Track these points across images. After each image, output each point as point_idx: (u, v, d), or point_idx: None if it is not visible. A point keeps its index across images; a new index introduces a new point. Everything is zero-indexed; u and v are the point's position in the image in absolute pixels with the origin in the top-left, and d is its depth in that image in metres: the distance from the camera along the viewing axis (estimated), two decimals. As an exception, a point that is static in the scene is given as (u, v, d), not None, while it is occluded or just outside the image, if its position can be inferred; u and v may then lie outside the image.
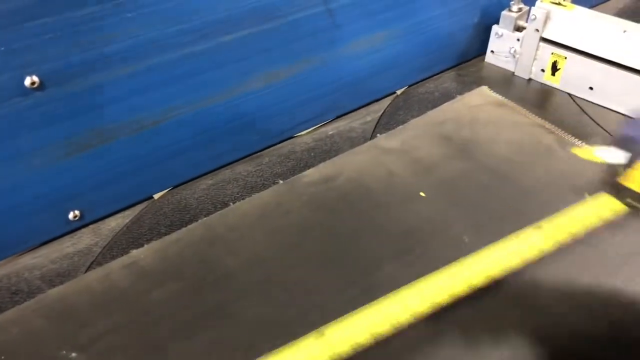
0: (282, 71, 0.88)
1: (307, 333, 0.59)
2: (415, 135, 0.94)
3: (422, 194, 0.82)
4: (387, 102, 1.04)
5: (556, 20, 1.01)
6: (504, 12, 1.07)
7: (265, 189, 0.84)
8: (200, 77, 0.79)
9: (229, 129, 0.87)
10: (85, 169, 0.75)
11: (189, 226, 0.78)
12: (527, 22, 1.06)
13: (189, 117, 0.81)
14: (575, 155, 0.88)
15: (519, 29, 1.07)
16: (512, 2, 1.06)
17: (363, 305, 0.62)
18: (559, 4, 1.02)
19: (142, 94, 0.75)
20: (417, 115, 0.98)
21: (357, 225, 0.78)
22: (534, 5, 1.03)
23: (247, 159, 0.91)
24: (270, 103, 0.89)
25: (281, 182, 0.85)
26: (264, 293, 0.68)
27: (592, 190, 0.80)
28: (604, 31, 0.98)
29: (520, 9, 1.06)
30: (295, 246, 0.75)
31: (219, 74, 0.81)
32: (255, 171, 0.88)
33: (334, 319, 0.60)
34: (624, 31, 0.95)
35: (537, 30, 1.03)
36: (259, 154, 0.92)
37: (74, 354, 0.62)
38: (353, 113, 1.01)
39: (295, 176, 0.85)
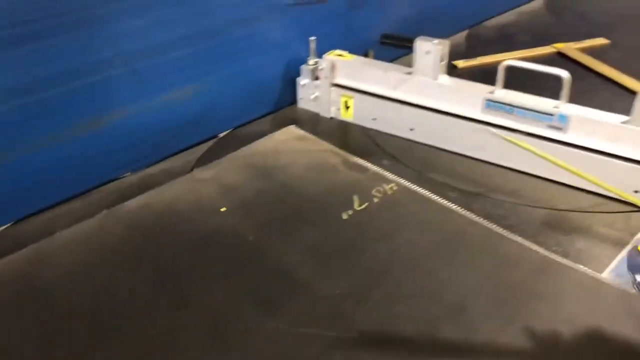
0: (101, 119, 1.05)
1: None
2: (227, 167, 1.13)
3: (222, 209, 1.00)
4: (210, 143, 1.23)
5: (340, 68, 1.26)
6: (303, 66, 1.31)
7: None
8: (23, 125, 0.95)
9: (58, 170, 1.02)
10: None
11: (19, 252, 0.91)
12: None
13: (21, 161, 0.96)
14: (351, 170, 1.10)
15: (316, 78, 1.31)
16: (309, 57, 1.30)
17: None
18: (341, 55, 1.27)
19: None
20: (234, 152, 1.18)
21: (165, 238, 0.94)
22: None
23: (77, 198, 1.06)
24: (95, 147, 1.05)
25: (105, 211, 1.00)
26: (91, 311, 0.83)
27: (360, 194, 1.02)
28: (375, 74, 1.23)
29: (315, 62, 1.30)
30: (117, 262, 0.90)
31: (42, 122, 0.97)
32: (84, 207, 1.03)
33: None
34: (385, 72, 1.20)
35: (327, 78, 1.27)
36: (89, 192, 1.07)
37: None
38: (178, 155, 1.19)
39: (117, 206, 1.01)
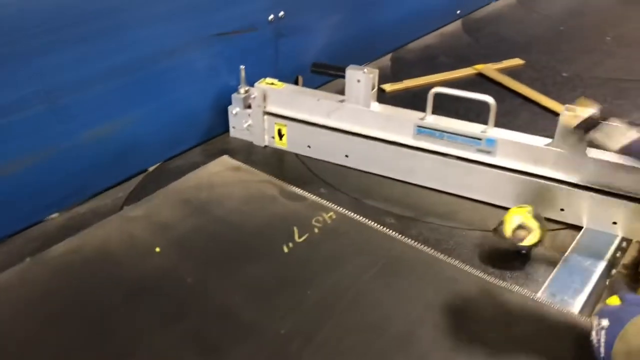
0: (22, 159, 0.98)
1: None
2: (159, 203, 1.08)
3: (157, 249, 0.96)
4: (139, 178, 1.18)
5: (272, 97, 1.25)
6: (234, 95, 1.29)
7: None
8: None
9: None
10: None
11: None
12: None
13: None
14: (289, 200, 1.09)
15: (249, 106, 1.29)
16: (239, 86, 1.29)
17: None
18: (272, 84, 1.26)
19: None
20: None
21: (96, 285, 0.89)
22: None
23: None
24: (17, 189, 0.99)
25: (28, 259, 0.93)
26: None
27: (300, 225, 1.00)
28: (307, 102, 1.23)
29: (247, 91, 1.29)
30: (42, 316, 0.83)
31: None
32: (3, 255, 0.96)
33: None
34: (318, 100, 1.21)
35: (259, 106, 1.25)
36: (9, 239, 1.00)
37: None
38: (106, 192, 1.13)
39: (43, 252, 0.94)
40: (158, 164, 1.23)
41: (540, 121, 1.37)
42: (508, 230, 0.94)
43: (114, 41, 1.06)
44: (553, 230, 1.03)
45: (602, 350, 0.66)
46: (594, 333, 0.68)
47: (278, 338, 0.80)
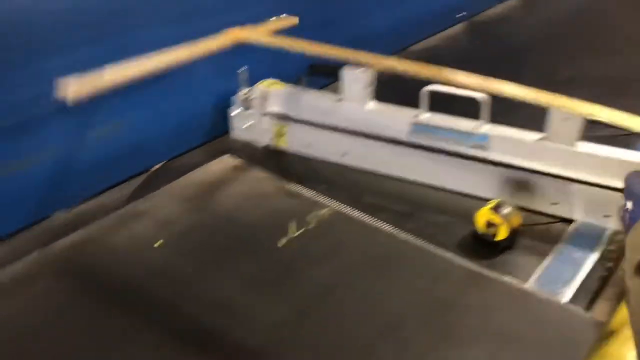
0: (29, 158, 1.02)
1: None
2: (161, 200, 1.12)
3: (158, 243, 0.99)
4: (143, 177, 1.22)
5: (272, 97, 1.28)
6: (235, 96, 1.32)
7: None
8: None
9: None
10: None
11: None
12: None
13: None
14: (287, 197, 1.11)
15: (249, 107, 1.32)
16: (240, 87, 1.32)
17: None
18: (273, 84, 1.29)
19: None
20: (168, 186, 1.18)
21: (100, 278, 0.92)
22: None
23: (3, 241, 1.02)
24: (24, 187, 1.03)
25: (36, 253, 0.97)
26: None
27: (296, 220, 1.03)
28: (306, 101, 1.26)
29: (247, 92, 1.31)
30: (47, 308, 0.87)
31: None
32: (11, 250, 0.99)
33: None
34: (316, 99, 1.24)
35: (260, 107, 1.29)
36: (17, 234, 1.04)
37: None
38: (111, 189, 1.17)
39: (47, 246, 0.98)
40: (162, 163, 1.27)
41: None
42: (480, 228, 0.98)
43: (118, 43, 1.10)
44: (545, 224, 1.04)
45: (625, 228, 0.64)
46: (621, 212, 0.65)
47: (272, 326, 0.83)
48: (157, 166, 1.25)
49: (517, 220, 0.98)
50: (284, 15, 1.37)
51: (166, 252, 0.97)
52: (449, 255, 0.96)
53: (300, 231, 1.02)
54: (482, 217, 0.98)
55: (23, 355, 0.79)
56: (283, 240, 0.99)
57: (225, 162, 1.25)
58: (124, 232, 1.02)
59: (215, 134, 1.37)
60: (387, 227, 1.03)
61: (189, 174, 1.20)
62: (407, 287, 0.90)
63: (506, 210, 0.97)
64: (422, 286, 0.90)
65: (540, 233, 1.02)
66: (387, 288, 0.90)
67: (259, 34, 1.19)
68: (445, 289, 0.89)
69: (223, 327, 0.83)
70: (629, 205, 0.63)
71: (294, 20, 1.31)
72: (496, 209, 0.97)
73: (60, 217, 1.08)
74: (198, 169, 1.22)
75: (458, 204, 1.11)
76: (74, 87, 0.85)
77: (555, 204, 1.05)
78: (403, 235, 1.01)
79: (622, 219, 0.64)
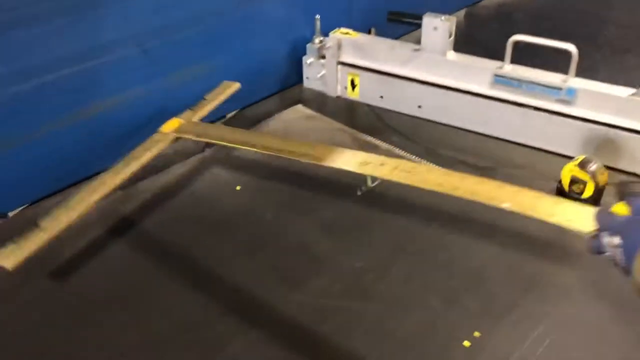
0: (110, 100, 1.04)
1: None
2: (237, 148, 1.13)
3: (238, 187, 1.01)
4: (218, 124, 1.23)
5: (346, 46, 1.26)
6: (309, 45, 1.31)
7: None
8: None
9: (76, 150, 1.02)
10: None
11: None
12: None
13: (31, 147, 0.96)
14: (362, 148, 1.11)
15: (323, 57, 1.31)
16: (315, 35, 1.30)
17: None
18: (347, 33, 1.27)
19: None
20: (243, 132, 1.18)
21: (181, 218, 0.95)
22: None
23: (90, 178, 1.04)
24: (107, 128, 1.05)
25: (120, 192, 1.00)
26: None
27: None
28: (381, 51, 1.23)
29: (321, 41, 1.30)
30: (132, 240, 0.91)
31: (49, 107, 0.97)
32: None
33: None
34: (392, 49, 1.21)
35: (334, 56, 1.27)
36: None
37: None
38: (188, 135, 1.19)
39: (133, 186, 1.01)
40: (235, 111, 1.28)
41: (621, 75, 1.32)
42: (566, 186, 0.96)
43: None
44: (632, 182, 1.01)
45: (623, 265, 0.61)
46: (608, 252, 0.60)
47: (352, 271, 0.84)
48: (231, 114, 1.27)
49: (604, 178, 0.94)
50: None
51: (246, 197, 0.99)
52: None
53: (377, 182, 1.01)
54: (568, 173, 0.95)
55: (113, 287, 0.83)
56: (361, 190, 0.99)
57: (298, 112, 1.25)
58: (203, 176, 1.04)
59: (288, 83, 1.36)
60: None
61: (262, 122, 1.21)
62: (489, 241, 0.89)
63: (593, 166, 0.94)
64: (503, 239, 0.88)
65: (627, 193, 0.98)
66: (467, 241, 0.89)
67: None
68: (527, 244, 0.88)
69: (304, 269, 0.85)
70: (616, 240, 0.58)
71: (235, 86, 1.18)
72: (583, 165, 0.94)
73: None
74: (272, 117, 1.23)
75: (540, 160, 1.08)
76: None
77: (644, 163, 1.02)
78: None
79: (614, 259, 0.58)
